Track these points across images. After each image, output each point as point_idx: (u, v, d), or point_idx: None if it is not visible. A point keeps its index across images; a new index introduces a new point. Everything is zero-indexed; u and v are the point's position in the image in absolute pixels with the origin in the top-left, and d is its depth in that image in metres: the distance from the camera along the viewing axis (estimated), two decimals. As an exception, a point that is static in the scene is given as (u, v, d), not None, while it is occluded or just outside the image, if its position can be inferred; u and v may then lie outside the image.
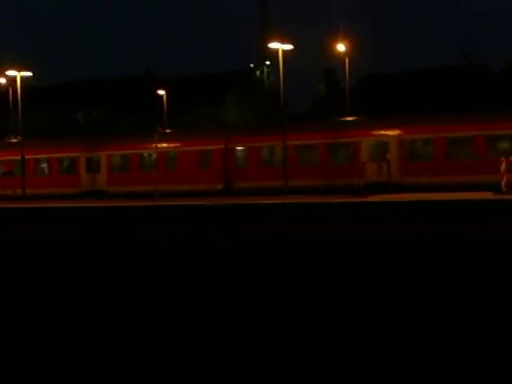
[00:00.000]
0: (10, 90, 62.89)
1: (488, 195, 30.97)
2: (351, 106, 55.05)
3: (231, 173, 47.99)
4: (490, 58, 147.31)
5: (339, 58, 60.25)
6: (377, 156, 43.38)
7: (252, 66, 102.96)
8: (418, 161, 42.87)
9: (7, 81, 64.30)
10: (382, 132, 43.95)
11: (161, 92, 74.03)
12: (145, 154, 51.53)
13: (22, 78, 56.99)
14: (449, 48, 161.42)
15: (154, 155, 49.76)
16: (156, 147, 48.79)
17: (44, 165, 55.69)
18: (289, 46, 49.48)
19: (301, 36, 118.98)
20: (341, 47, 58.34)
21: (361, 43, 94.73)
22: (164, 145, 49.96)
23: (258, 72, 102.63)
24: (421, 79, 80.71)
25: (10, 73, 57.84)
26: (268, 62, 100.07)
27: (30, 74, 58.05)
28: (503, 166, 34.97)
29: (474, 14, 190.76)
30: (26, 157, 54.19)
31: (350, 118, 48.69)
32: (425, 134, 42.79)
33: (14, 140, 59.56)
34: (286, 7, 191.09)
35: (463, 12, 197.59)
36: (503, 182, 34.46)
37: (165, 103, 72.87)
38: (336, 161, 45.04)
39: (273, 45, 49.34)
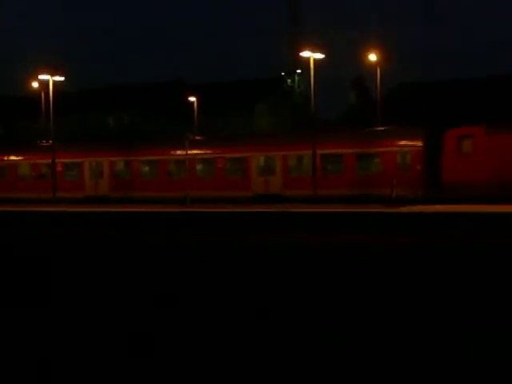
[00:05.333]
0: (42, 94, 63.30)
1: None
2: (382, 115, 54.74)
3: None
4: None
5: (370, 66, 60.06)
6: None
7: (283, 74, 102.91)
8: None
9: (40, 85, 64.76)
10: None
11: (191, 98, 74.18)
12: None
13: (55, 82, 57.39)
14: (476, 60, 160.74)
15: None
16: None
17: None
18: (320, 55, 49.36)
19: (332, 45, 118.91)
20: (372, 56, 58.18)
21: (391, 53, 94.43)
22: None
23: (289, 80, 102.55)
24: (450, 89, 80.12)
25: (43, 77, 58.25)
26: (299, 71, 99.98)
27: (62, 78, 58.45)
28: None
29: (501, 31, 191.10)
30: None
31: None
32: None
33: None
34: (318, 15, 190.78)
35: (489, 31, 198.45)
36: None
37: (195, 109, 73.02)
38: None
39: (304, 53, 49.26)
